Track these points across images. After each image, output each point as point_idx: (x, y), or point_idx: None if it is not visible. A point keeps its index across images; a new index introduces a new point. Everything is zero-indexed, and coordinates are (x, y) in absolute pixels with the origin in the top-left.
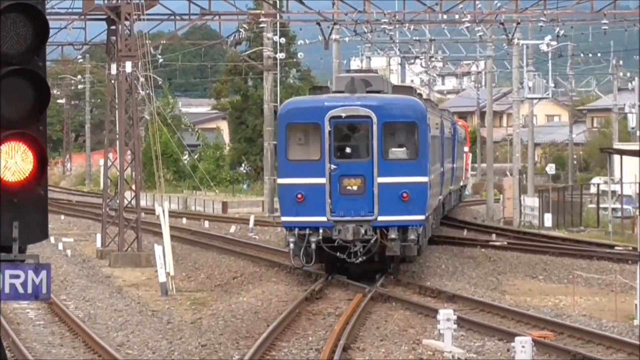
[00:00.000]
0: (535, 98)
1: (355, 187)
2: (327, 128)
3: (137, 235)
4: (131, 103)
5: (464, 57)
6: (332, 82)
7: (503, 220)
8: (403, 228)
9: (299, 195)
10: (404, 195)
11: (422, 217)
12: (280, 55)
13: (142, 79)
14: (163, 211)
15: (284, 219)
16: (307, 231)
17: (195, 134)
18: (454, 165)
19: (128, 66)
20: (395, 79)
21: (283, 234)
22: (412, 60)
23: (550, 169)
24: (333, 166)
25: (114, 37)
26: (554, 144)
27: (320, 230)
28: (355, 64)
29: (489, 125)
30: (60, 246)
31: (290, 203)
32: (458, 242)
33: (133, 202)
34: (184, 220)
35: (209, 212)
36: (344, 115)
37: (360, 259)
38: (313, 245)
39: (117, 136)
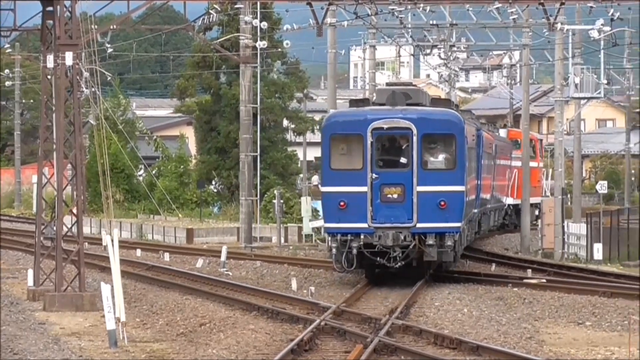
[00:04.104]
0: (584, 98)
1: (395, 196)
2: (369, 139)
3: (79, 271)
4: (72, 104)
5: (493, 47)
6: (372, 94)
7: (541, 252)
8: (440, 234)
9: (342, 203)
10: (442, 203)
11: (458, 225)
12: (262, 44)
13: (86, 74)
14: (112, 241)
15: (327, 225)
16: (349, 237)
17: (153, 144)
18: (493, 182)
19: (68, 57)
20: (406, 73)
21: (262, 270)
22: (428, 50)
23: (602, 187)
24: (374, 175)
25: (50, 21)
26: (607, 155)
27: (362, 236)
28: (356, 54)
29: (524, 131)
30: None
31: (333, 210)
32: (484, 280)
33: (74, 229)
34: (139, 252)
35: (170, 242)
36: (385, 127)
37: (399, 264)
38: (354, 251)
39: (55, 146)
